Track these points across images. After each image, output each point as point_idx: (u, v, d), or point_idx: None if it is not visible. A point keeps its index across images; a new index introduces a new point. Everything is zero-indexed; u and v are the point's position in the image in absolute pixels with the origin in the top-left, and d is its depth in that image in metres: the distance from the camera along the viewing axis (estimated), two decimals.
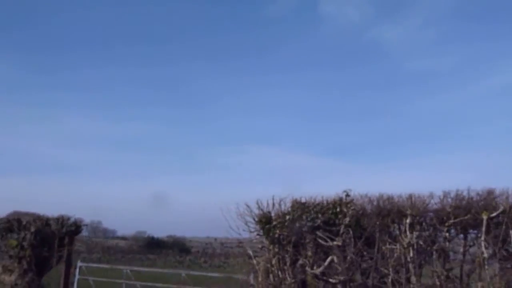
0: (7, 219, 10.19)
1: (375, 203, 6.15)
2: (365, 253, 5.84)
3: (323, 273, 5.84)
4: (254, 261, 6.20)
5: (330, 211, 6.00)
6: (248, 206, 6.33)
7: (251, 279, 6.45)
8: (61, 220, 9.22)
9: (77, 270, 8.90)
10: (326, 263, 5.83)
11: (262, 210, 6.28)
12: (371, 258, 5.79)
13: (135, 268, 8.93)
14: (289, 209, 6.11)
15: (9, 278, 9.40)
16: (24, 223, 9.57)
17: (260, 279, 6.27)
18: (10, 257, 9.59)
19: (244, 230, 6.36)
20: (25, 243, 9.28)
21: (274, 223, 6.02)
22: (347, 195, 6.11)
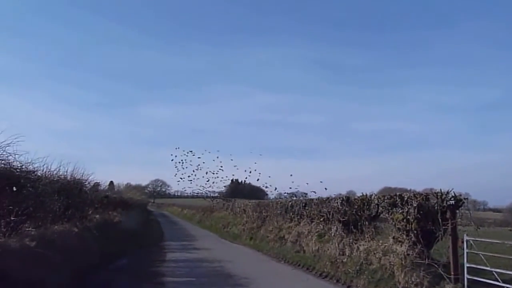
0: (390, 196, 11.26)
1: None
2: None
3: None
4: None
5: None
6: None
7: None
8: (440, 195, 9.29)
9: (465, 244, 8.68)
10: None
11: None
12: None
13: None
14: None
15: (400, 248, 10.29)
16: (405, 198, 10.28)
17: None
18: (398, 229, 10.52)
19: None
20: (409, 217, 9.92)
21: None
22: None
